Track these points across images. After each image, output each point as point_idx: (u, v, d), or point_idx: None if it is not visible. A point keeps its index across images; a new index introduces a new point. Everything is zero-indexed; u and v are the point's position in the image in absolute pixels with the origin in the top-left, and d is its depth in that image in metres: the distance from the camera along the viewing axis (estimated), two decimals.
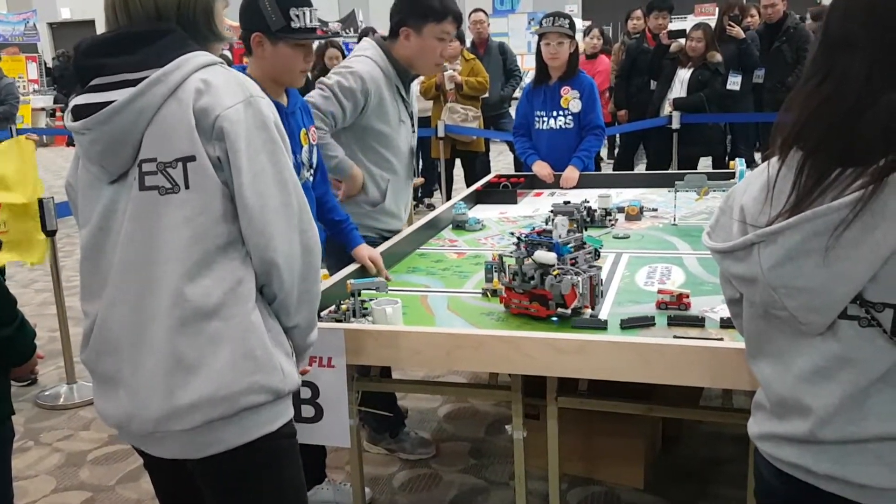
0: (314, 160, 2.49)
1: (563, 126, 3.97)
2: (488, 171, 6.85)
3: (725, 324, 1.97)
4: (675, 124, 6.19)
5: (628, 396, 2.29)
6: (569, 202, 2.46)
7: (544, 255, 2.09)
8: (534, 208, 3.58)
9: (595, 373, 1.85)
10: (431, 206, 7.81)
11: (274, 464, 1.50)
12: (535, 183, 4.05)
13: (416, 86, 3.07)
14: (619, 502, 2.73)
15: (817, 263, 1.11)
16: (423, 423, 3.36)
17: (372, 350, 1.99)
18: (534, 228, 2.27)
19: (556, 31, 3.81)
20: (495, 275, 2.37)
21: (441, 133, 6.73)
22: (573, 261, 2.14)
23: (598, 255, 2.26)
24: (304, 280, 1.48)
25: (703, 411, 2.48)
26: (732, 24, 6.54)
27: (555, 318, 2.08)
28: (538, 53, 3.96)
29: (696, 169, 6.17)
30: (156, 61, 1.40)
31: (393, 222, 2.97)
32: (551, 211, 2.46)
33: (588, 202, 2.52)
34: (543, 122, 4.01)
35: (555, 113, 3.97)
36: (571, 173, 3.91)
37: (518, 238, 2.22)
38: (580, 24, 16.19)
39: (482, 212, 3.51)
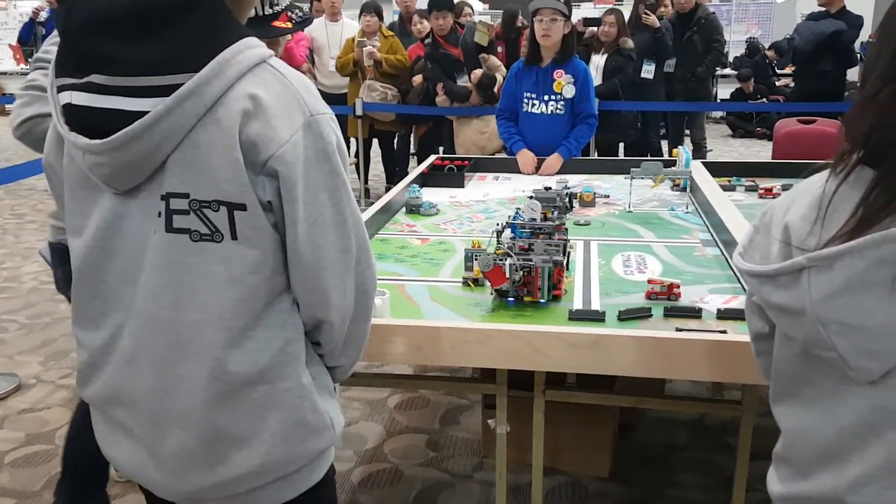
0: None
1: (555, 111, 3.82)
2: (408, 151, 6.71)
3: (723, 315, 1.94)
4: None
5: (590, 386, 2.25)
6: (549, 188, 2.39)
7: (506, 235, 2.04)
8: (483, 192, 3.49)
9: (611, 369, 1.78)
10: None
11: None
12: (478, 166, 3.96)
13: None
14: (586, 492, 2.70)
15: (881, 298, 0.92)
16: (374, 415, 3.24)
17: (370, 346, 1.84)
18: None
19: (549, 7, 3.68)
20: (475, 263, 2.28)
21: (359, 111, 6.53)
22: (528, 246, 2.08)
23: (564, 249, 2.16)
24: (355, 321, 1.29)
25: (697, 403, 2.47)
26: (648, 12, 6.64)
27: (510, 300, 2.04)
28: (531, 32, 3.82)
29: (615, 155, 6.26)
30: (185, 60, 1.07)
31: None
32: (531, 197, 2.37)
33: (568, 188, 2.46)
34: (533, 105, 3.85)
35: (546, 97, 3.82)
36: (555, 161, 3.79)
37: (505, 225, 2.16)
38: (480, 6, 16.08)
39: (432, 195, 3.39)
